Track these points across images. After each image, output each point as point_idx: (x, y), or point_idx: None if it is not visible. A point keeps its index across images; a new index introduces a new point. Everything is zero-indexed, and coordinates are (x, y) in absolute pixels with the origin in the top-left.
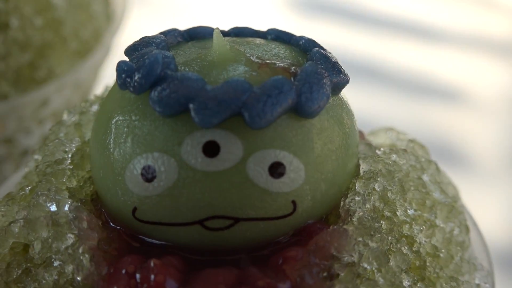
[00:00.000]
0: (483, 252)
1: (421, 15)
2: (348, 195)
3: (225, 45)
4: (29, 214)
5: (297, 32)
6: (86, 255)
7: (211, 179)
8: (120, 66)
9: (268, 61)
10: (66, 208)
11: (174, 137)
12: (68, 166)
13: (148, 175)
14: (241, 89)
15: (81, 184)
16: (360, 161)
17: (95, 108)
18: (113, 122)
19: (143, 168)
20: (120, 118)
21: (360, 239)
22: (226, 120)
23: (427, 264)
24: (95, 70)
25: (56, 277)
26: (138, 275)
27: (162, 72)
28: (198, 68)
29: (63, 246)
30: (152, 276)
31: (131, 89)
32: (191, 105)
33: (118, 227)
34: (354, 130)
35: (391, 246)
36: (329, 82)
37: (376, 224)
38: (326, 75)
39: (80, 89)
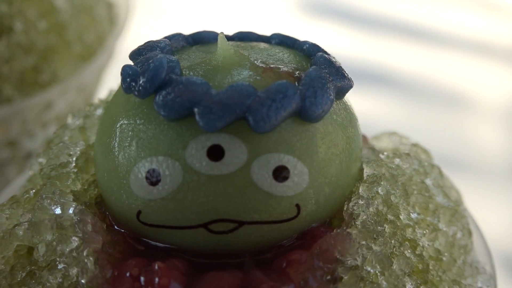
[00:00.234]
0: (486, 256)
1: (425, 20)
2: (352, 199)
3: (229, 49)
4: (33, 217)
5: (301, 37)
6: (91, 258)
7: (216, 182)
8: (125, 70)
9: (272, 66)
10: (71, 211)
11: (179, 141)
12: (73, 170)
13: (153, 179)
14: (245, 93)
15: (86, 187)
16: (364, 165)
17: (99, 111)
18: (117, 126)
19: (148, 171)
20: (125, 122)
21: (364, 242)
22: (230, 124)
23: (430, 267)
24: (98, 74)
25: (60, 280)
26: (142, 278)
27: (167, 76)
28: (203, 72)
29: (67, 249)
30: (157, 279)
31: (136, 93)
32: (195, 109)
33: (123, 230)
34: (357, 134)
35: (394, 249)
36: (333, 87)
37: (380, 227)
38: (330, 79)
39: (84, 93)
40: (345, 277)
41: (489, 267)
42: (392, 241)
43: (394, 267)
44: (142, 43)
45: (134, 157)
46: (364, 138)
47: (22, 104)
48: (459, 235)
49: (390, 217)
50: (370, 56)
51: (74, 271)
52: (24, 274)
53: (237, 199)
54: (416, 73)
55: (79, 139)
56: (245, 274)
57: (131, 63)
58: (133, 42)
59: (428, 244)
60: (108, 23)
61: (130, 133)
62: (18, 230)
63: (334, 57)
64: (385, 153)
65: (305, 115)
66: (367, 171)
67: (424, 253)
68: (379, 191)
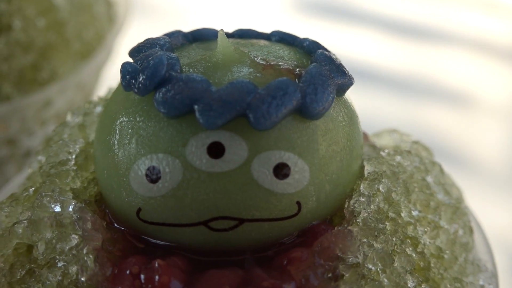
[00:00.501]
0: (487, 254)
1: (427, 18)
2: (353, 196)
3: (229, 46)
4: (33, 215)
5: (301, 34)
6: (90, 256)
7: (216, 180)
8: (125, 68)
9: (272, 63)
10: (70, 209)
11: (179, 138)
12: (72, 167)
13: (153, 176)
14: (245, 90)
15: (85, 185)
16: (365, 163)
17: (99, 109)
18: (117, 123)
19: (148, 169)
20: (125, 119)
21: (365, 240)
22: (231, 121)
23: (432, 265)
24: (97, 72)
25: (60, 278)
26: (142, 276)
27: (167, 73)
28: (203, 69)
29: (67, 247)
30: (157, 277)
31: (136, 90)
32: (196, 106)
33: (122, 228)
34: (358, 131)
35: (395, 247)
36: (333, 84)
37: (381, 225)
38: (330, 76)
39: (83, 90)
40: (346, 275)
41: (491, 264)
42: (393, 239)
43: (396, 264)
44: (141, 40)
45: (134, 154)
46: (365, 135)
47: (21, 102)
48: (460, 232)
49: (391, 214)
50: (371, 54)
51: (73, 269)
52: (23, 272)
53: (237, 197)
54: (416, 71)
55: (78, 136)
56: (245, 272)
57: (130, 60)
58: (132, 40)
59: (429, 242)
60: (107, 21)
61: (130, 130)
62: (18, 228)
63: (334, 54)
64: (386, 151)
65: (305, 112)
66: (368, 168)
67: (425, 250)
68: (380, 188)
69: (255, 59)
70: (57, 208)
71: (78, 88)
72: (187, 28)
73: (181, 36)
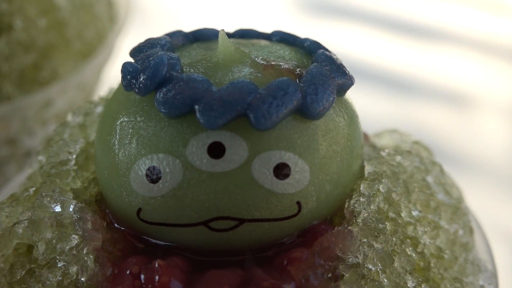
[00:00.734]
0: (487, 254)
1: (427, 18)
2: (353, 196)
3: (230, 46)
4: (33, 215)
5: (302, 34)
6: (91, 256)
7: (216, 180)
8: (125, 68)
9: (273, 63)
10: (71, 209)
11: (179, 138)
12: (73, 167)
13: (153, 176)
14: (246, 90)
15: (86, 185)
16: (365, 163)
17: (99, 109)
18: (118, 123)
19: (148, 169)
20: (125, 119)
21: (365, 240)
22: (231, 122)
23: (432, 265)
24: (98, 71)
25: (60, 278)
26: (142, 276)
27: (168, 73)
28: (203, 69)
29: (67, 247)
30: (157, 277)
31: (136, 90)
32: (196, 107)
33: (123, 228)
34: (358, 131)
35: (395, 247)
36: (334, 84)
37: (381, 225)
38: (331, 76)
39: (84, 90)
40: (346, 275)
41: (491, 265)
42: (394, 239)
43: (396, 264)
44: (142, 40)
45: (134, 154)
46: (365, 135)
47: (22, 102)
48: (460, 232)
49: (391, 214)
50: (371, 54)
51: (74, 269)
52: (23, 273)
53: (237, 197)
54: (417, 71)
55: (79, 136)
56: (245, 272)
57: (131, 60)
58: (133, 40)
59: (429, 242)
60: (108, 21)
61: (131, 130)
62: (18, 228)
63: (335, 54)
64: (386, 151)
65: (306, 112)
66: (368, 168)
67: (425, 250)
68: (380, 188)
69: (256, 59)
70: (58, 208)
71: (79, 88)
72: (188, 28)
73: (182, 36)
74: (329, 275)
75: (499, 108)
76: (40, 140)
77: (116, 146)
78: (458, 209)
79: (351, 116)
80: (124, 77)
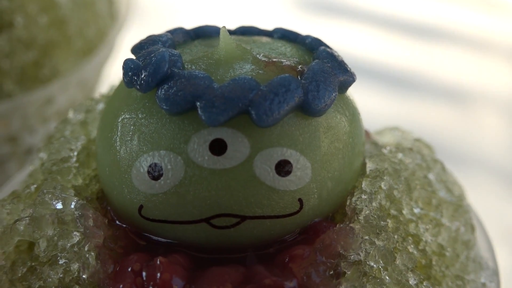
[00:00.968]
0: (489, 251)
1: (428, 15)
2: (355, 194)
3: (231, 43)
4: (34, 212)
5: (303, 31)
6: (92, 253)
7: (218, 177)
8: (127, 64)
9: (274, 60)
10: (72, 206)
11: (181, 135)
12: (74, 164)
13: (155, 173)
14: (248, 87)
15: (87, 182)
16: (366, 160)
17: (100, 106)
18: (119, 120)
19: (150, 166)
20: (127, 116)
21: (367, 237)
22: (233, 118)
23: (433, 262)
24: (99, 69)
25: (61, 275)
26: (144, 273)
27: (169, 70)
28: (205, 66)
29: (68, 244)
30: (158, 274)
31: (138, 87)
32: (198, 103)
33: (124, 225)
34: (360, 128)
35: (397, 244)
36: (335, 81)
37: (382, 222)
38: (332, 73)
39: (84, 88)
40: (348, 272)
41: (492, 262)
42: (395, 236)
43: (397, 262)
44: (143, 37)
45: (136, 151)
46: (367, 133)
47: (23, 99)
48: (462, 230)
49: (393, 212)
50: (373, 51)
51: (75, 266)
52: (25, 270)
53: (239, 194)
54: (418, 68)
55: (80, 133)
56: (247, 269)
57: (132, 57)
58: (134, 37)
59: (431, 239)
60: (109, 18)
61: (132, 127)
62: (19, 225)
63: (336, 51)
64: (388, 148)
65: (308, 109)
66: (370, 165)
67: (427, 248)
68: (382, 186)
69: (257, 56)
70: (59, 205)
71: (79, 85)
72: (189, 25)
73: (183, 33)
74: (331, 272)
75: (500, 105)
76: (41, 138)
77: (118, 143)
78: (459, 207)
79: (352, 113)
80: (125, 73)
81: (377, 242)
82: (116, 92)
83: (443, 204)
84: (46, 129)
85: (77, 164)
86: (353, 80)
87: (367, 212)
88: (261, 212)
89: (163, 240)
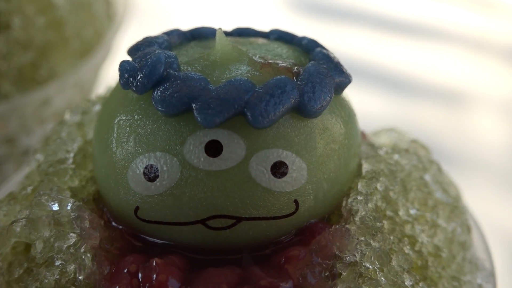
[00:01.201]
0: (485, 252)
1: (424, 16)
2: (350, 195)
3: (227, 45)
4: (31, 213)
5: (299, 32)
6: (88, 255)
7: (214, 178)
8: (123, 66)
9: (270, 61)
10: (68, 207)
11: (177, 137)
12: (70, 166)
13: (151, 175)
14: (244, 88)
15: (83, 183)
16: (362, 161)
17: (97, 108)
18: (115, 122)
19: (146, 167)
20: (123, 117)
21: (362, 238)
22: (228, 120)
23: (429, 263)
24: (96, 70)
25: (57, 277)
26: (140, 275)
27: (165, 71)
28: (201, 67)
29: (65, 246)
30: (154, 276)
31: (134, 88)
32: (193, 105)
33: (120, 227)
34: (356, 130)
35: (393, 245)
36: (331, 82)
37: (378, 223)
38: (328, 75)
39: (82, 89)
40: (344, 273)
41: (489, 263)
42: (391, 237)
43: (393, 263)
44: (140, 39)
45: (132, 153)
46: (363, 134)
47: (20, 101)
48: (458, 231)
49: (389, 213)
50: (369, 52)
51: (71, 267)
52: (21, 271)
53: (235, 195)
54: (415, 69)
55: (76, 135)
56: (243, 270)
57: (129, 58)
58: (131, 38)
59: (427, 240)
60: (106, 19)
61: (128, 128)
62: (16, 226)
63: (332, 53)
64: (384, 149)
65: (303, 110)
66: (366, 167)
67: (423, 249)
68: (377, 187)
69: (253, 57)
70: (55, 207)
71: (76, 86)
72: (185, 26)
73: (180, 34)
74: (327, 273)
75: (496, 106)
76: (38, 139)
77: (114, 145)
78: (455, 208)
79: (348, 114)
80: (121, 75)
81: (373, 243)
82: (113, 94)
83: (439, 205)
84: (43, 130)
85: (73, 166)
86: (349, 82)
87: (363, 213)
88: (257, 214)
89: (159, 241)
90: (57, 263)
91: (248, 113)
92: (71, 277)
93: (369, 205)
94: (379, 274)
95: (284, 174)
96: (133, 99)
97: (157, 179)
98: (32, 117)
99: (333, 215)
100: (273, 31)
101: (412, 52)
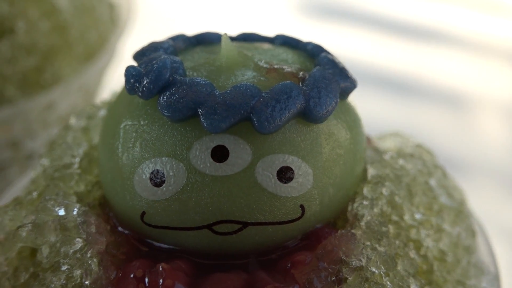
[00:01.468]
0: (490, 256)
1: (429, 20)
2: (356, 200)
3: (233, 50)
4: (37, 218)
5: (304, 38)
6: (95, 259)
7: (220, 183)
8: (129, 71)
9: (276, 66)
10: (74, 212)
11: (183, 142)
12: (76, 171)
13: (157, 180)
14: (249, 94)
15: (89, 188)
16: (368, 166)
17: (102, 112)
18: (121, 127)
19: (152, 172)
20: (129, 122)
21: (368, 243)
22: (234, 125)
23: (435, 268)
24: (100, 74)
25: (64, 281)
26: (146, 279)
27: (171, 77)
28: (207, 73)
29: (71, 251)
30: (161, 280)
31: (140, 94)
32: (200, 110)
33: (126, 232)
34: (361, 135)
35: (398, 250)
36: (337, 87)
37: (384, 228)
38: (334, 80)
39: (86, 93)
40: (350, 278)
41: (493, 267)
42: (397, 242)
43: (399, 267)
44: (144, 43)
45: (138, 158)
46: (368, 139)
47: (24, 105)
48: (463, 235)
49: (394, 217)
50: (374, 57)
51: (77, 272)
52: (27, 276)
53: (241, 200)
54: (419, 74)
55: (82, 140)
56: (249, 275)
57: (133, 63)
58: (135, 43)
59: (432, 245)
60: (110, 24)
61: (134, 134)
62: (22, 231)
63: (337, 58)
64: (389, 154)
65: (309, 115)
66: (371, 171)
67: (428, 253)
68: (383, 191)
69: (259, 62)
70: (61, 212)
71: (81, 90)
72: (190, 31)
73: (185, 39)
74: (333, 278)
75: (501, 110)
76: (42, 143)
77: (120, 150)
78: (460, 212)
79: (354, 119)
80: (127, 80)
81: (379, 248)
82: (118, 99)
83: (444, 210)
84: (47, 134)
85: (79, 171)
86: (354, 87)
87: (369, 218)
88: (263, 219)
89: (165, 246)
90: (63, 268)
91: (254, 119)
92: (77, 282)
93: (375, 209)
94: (385, 278)
95: (290, 179)
96: (139, 104)
97: (163, 184)
98: (36, 121)
99: (338, 219)
100: (278, 36)
101: (416, 57)
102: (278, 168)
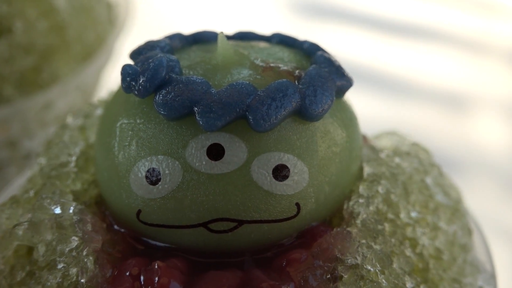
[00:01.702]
0: (486, 254)
1: (425, 19)
2: (352, 198)
3: (229, 48)
4: (33, 216)
5: (301, 36)
6: (90, 258)
7: (215, 181)
8: (125, 70)
9: (272, 65)
10: (71, 210)
11: (179, 140)
12: (73, 169)
13: (153, 178)
14: (245, 92)
15: (86, 187)
16: (364, 164)
17: (99, 111)
18: (117, 125)
19: (148, 171)
20: (125, 121)
21: (364, 241)
22: (230, 123)
23: (430, 266)
24: (98, 74)
25: (60, 280)
26: (142, 277)
27: (167, 75)
28: (203, 71)
29: (67, 249)
30: (156, 278)
31: (136, 92)
32: (195, 108)
33: (122, 230)
34: (357, 133)
35: (394, 248)
36: (333, 86)
37: (380, 226)
38: (330, 78)
39: (83, 93)
40: (345, 276)
41: (489, 265)
42: (392, 240)
43: (394, 265)
44: (141, 43)
45: (134, 156)
46: (364, 137)
47: (22, 104)
48: (459, 233)
49: (390, 215)
50: (370, 55)
51: (74, 270)
52: (24, 274)
53: (237, 198)
54: (416, 72)
55: (79, 138)
56: (245, 273)
57: (131, 62)
58: (133, 42)
59: (428, 243)
60: (108, 23)
61: (130, 132)
62: (18, 230)
63: (333, 56)
64: (385, 152)
65: (305, 114)
66: (367, 170)
67: (424, 251)
68: (379, 190)
69: (255, 61)
70: (57, 210)
71: (78, 90)
72: (187, 30)
73: (181, 38)
74: (328, 276)
75: (497, 109)
76: (40, 142)
77: (116, 148)
78: (456, 210)
79: (350, 117)
80: (123, 79)
81: (374, 246)
82: (115, 98)
83: (440, 208)
84: (45, 133)
85: (75, 169)
86: (350, 85)
87: (364, 216)
88: (259, 217)
89: (161, 244)
90: (60, 266)
91: (249, 117)
92: (73, 280)
93: (371, 208)
94: (380, 276)
95: (285, 177)
96: (135, 103)
97: (159, 183)
98: (34, 120)
99: (334, 218)
100: (275, 34)
101: (413, 55)
102: (273, 166)
